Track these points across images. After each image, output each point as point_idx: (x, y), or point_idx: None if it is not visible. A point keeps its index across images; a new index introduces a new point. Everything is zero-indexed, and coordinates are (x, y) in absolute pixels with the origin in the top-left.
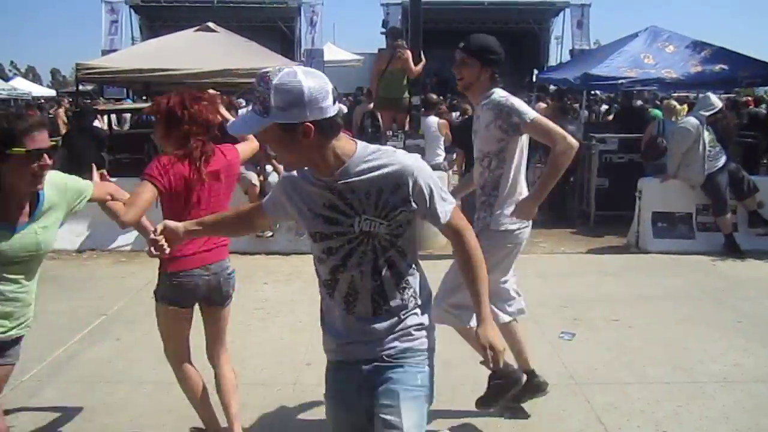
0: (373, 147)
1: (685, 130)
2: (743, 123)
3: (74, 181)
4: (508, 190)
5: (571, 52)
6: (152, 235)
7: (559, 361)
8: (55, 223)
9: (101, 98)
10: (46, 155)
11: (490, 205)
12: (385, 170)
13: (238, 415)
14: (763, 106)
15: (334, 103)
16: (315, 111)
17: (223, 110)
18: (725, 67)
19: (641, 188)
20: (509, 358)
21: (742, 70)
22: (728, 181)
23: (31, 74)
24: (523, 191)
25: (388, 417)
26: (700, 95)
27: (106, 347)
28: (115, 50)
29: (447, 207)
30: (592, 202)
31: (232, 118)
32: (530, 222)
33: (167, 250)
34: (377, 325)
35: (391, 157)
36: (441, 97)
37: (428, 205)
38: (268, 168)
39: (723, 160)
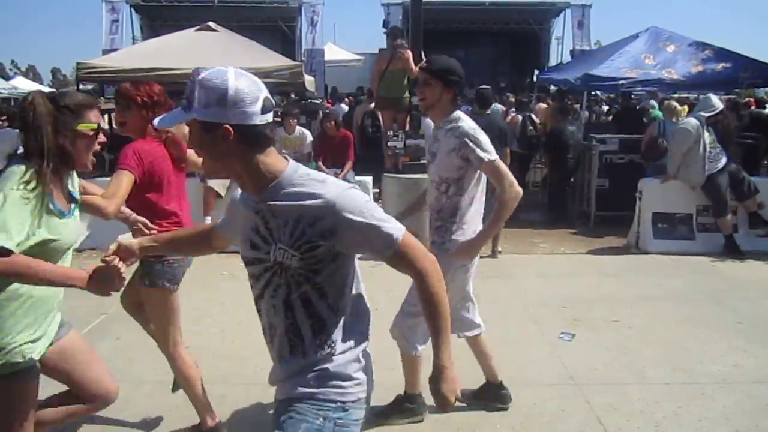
0: (302, 171)
1: (685, 131)
2: (744, 124)
3: None
4: (466, 216)
5: (572, 52)
6: (104, 256)
7: (559, 362)
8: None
9: (102, 97)
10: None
11: (447, 230)
12: (308, 201)
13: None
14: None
15: (266, 112)
16: (237, 115)
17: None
18: (726, 67)
19: (641, 189)
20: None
21: (743, 70)
22: (729, 182)
23: (32, 73)
24: (478, 219)
25: None
26: (701, 96)
27: (105, 346)
28: (115, 49)
29: (389, 236)
30: (592, 202)
31: None
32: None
33: (123, 271)
34: (290, 365)
35: (317, 186)
36: None
37: (361, 240)
38: None
39: (723, 161)
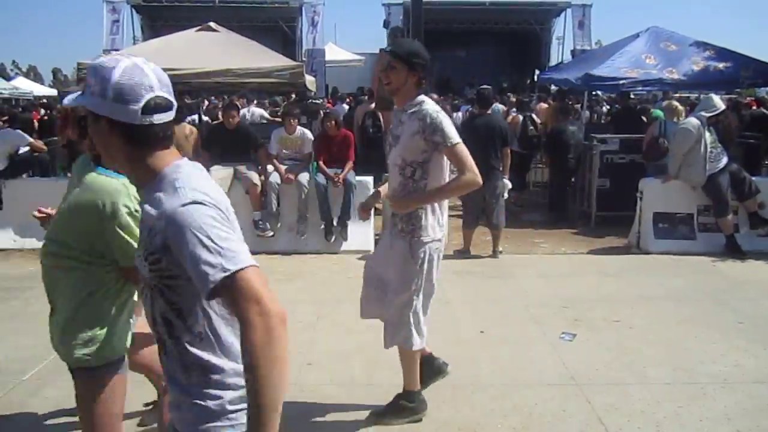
0: (178, 175)
1: (686, 131)
2: (745, 124)
3: None
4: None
5: (573, 52)
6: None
7: (560, 362)
8: None
9: None
10: None
11: (415, 216)
12: (154, 210)
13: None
14: None
15: (152, 113)
16: (116, 110)
17: None
18: (727, 67)
19: (642, 189)
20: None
21: (744, 70)
22: (729, 182)
23: (33, 74)
24: (445, 205)
25: None
26: (702, 96)
27: None
28: (116, 50)
29: (204, 275)
30: (593, 202)
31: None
32: (445, 231)
33: None
34: (172, 391)
35: (167, 195)
36: (442, 97)
37: (185, 264)
38: (269, 168)
39: (724, 161)
